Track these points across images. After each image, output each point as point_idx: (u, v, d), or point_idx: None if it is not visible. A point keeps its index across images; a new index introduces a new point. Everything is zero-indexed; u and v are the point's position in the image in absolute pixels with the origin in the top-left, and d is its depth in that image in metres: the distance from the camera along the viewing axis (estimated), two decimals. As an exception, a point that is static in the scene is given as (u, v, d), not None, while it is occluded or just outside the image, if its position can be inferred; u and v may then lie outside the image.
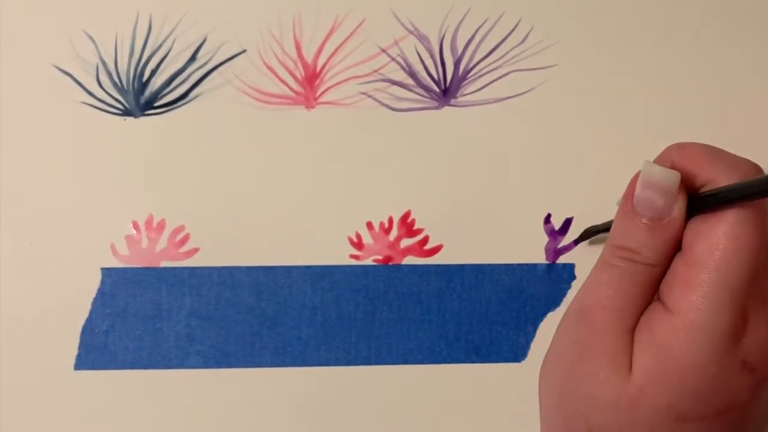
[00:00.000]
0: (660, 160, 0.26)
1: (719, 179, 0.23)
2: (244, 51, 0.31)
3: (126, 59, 0.31)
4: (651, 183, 0.24)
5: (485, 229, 0.30)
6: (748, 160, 0.24)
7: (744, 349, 0.23)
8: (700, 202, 0.24)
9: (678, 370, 0.22)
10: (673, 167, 0.24)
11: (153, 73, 0.31)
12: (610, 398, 0.23)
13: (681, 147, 0.25)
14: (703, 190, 0.24)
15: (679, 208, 0.24)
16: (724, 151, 0.24)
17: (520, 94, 0.31)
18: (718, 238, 0.22)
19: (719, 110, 0.31)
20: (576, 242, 0.30)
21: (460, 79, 0.31)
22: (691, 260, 0.23)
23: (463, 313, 0.30)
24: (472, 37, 0.31)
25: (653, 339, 0.23)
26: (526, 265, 0.30)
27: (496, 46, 0.31)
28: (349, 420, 0.30)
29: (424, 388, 0.30)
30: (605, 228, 0.28)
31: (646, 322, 0.24)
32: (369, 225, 0.30)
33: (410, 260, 0.30)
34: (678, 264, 0.24)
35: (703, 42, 0.31)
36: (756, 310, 0.23)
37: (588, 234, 0.30)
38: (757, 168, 0.24)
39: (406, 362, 0.30)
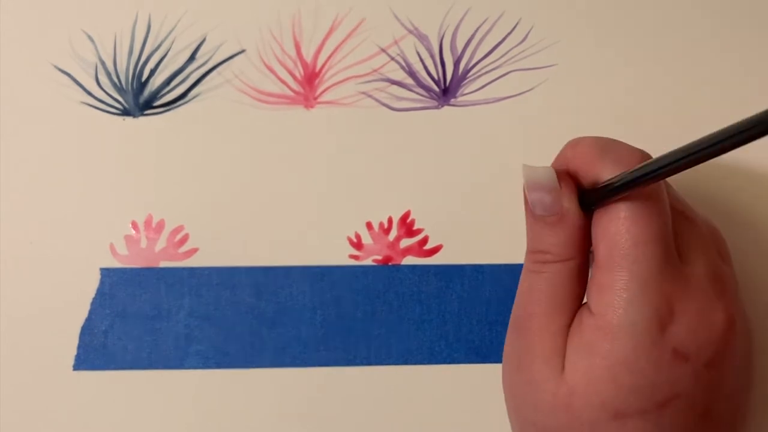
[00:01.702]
0: (557, 161, 0.26)
1: (604, 173, 0.23)
2: (244, 50, 0.31)
3: (125, 59, 0.31)
4: (533, 184, 0.24)
5: (485, 229, 0.30)
6: (636, 150, 0.24)
7: (673, 338, 0.22)
8: (593, 197, 0.24)
9: (606, 368, 0.22)
10: (567, 165, 0.25)
11: (152, 72, 0.31)
12: (548, 400, 0.23)
13: (574, 144, 0.25)
14: (594, 186, 0.24)
15: (567, 199, 0.24)
16: (614, 143, 0.24)
17: (520, 94, 0.31)
18: (614, 235, 0.23)
19: (719, 110, 0.31)
20: None
21: (459, 79, 0.31)
22: (598, 262, 0.23)
23: (463, 313, 0.30)
24: (472, 36, 0.31)
25: (581, 340, 0.23)
26: (526, 265, 0.30)
27: (496, 46, 0.31)
28: (349, 420, 0.30)
29: (424, 389, 0.30)
30: None
31: (577, 323, 0.24)
32: (368, 225, 0.30)
33: (410, 260, 0.30)
34: (593, 268, 0.24)
35: (703, 42, 0.31)
36: (680, 297, 0.23)
37: None
38: (646, 156, 0.24)
39: (405, 362, 0.30)
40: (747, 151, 0.30)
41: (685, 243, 0.24)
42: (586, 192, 0.24)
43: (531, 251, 0.25)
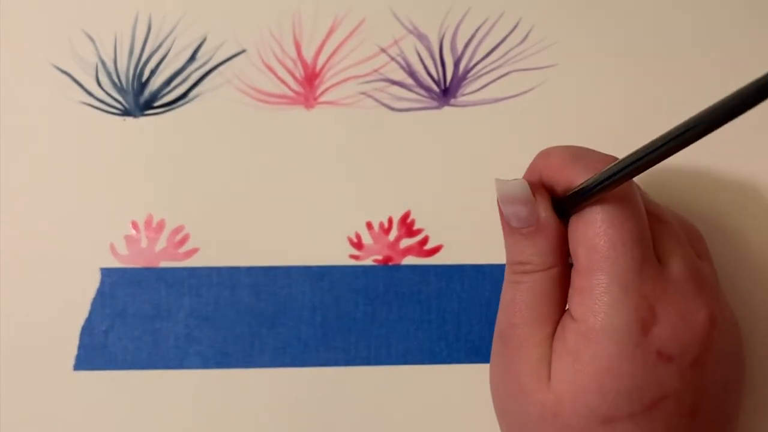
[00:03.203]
0: (529, 172, 0.26)
1: (576, 179, 0.23)
2: (244, 51, 0.31)
3: (125, 59, 0.31)
4: (507, 198, 0.24)
5: (485, 229, 0.30)
6: (608, 156, 0.24)
7: (656, 340, 0.22)
8: (566, 204, 0.24)
9: (591, 374, 0.22)
10: (539, 175, 0.25)
11: (152, 72, 0.31)
12: (536, 409, 0.23)
13: (545, 155, 0.25)
14: (570, 191, 0.24)
15: (543, 209, 0.24)
16: (586, 151, 0.25)
17: (520, 94, 0.31)
18: (591, 239, 0.23)
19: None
20: None
21: (459, 79, 0.31)
22: (577, 268, 0.23)
23: (463, 313, 0.30)
24: (472, 36, 0.31)
25: (565, 347, 0.23)
26: (526, 265, 0.30)
27: (496, 46, 0.31)
28: (348, 420, 0.30)
29: (424, 389, 0.30)
30: None
31: (560, 331, 0.24)
32: (369, 225, 0.30)
33: (410, 260, 0.30)
34: (572, 274, 0.24)
35: (703, 42, 0.31)
36: (659, 298, 0.23)
37: None
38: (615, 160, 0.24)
39: (405, 362, 0.30)
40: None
41: (661, 244, 0.24)
42: (560, 200, 0.24)
43: (511, 263, 0.25)
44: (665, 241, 0.24)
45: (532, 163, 0.26)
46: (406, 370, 0.30)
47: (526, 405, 0.24)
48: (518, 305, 0.25)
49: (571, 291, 0.24)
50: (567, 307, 0.24)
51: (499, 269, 0.30)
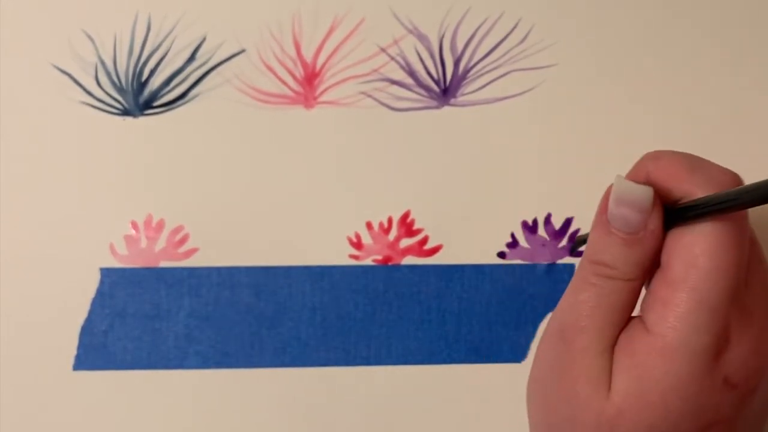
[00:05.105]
0: (634, 172, 0.25)
1: (696, 192, 0.22)
2: (244, 50, 0.31)
3: (125, 59, 0.31)
4: (624, 200, 0.23)
5: (485, 229, 0.30)
6: (728, 170, 0.23)
7: (726, 366, 0.22)
8: (677, 214, 0.23)
9: (658, 392, 0.22)
10: (647, 179, 0.24)
11: (152, 72, 0.31)
12: (591, 419, 0.23)
13: (656, 158, 0.24)
14: (680, 202, 0.23)
15: (654, 222, 0.23)
16: (702, 160, 0.24)
17: (520, 94, 0.31)
18: (695, 256, 0.22)
19: (720, 110, 0.31)
20: (571, 252, 0.30)
21: (459, 79, 0.31)
22: (668, 279, 0.23)
23: (463, 313, 0.30)
24: (472, 36, 0.31)
25: (633, 360, 0.23)
26: (526, 265, 0.30)
27: (496, 46, 0.31)
28: (348, 420, 0.30)
29: (424, 389, 0.30)
30: None
31: (627, 341, 0.23)
32: (368, 225, 0.30)
33: (410, 260, 0.30)
34: (657, 283, 0.23)
35: (703, 42, 0.31)
36: (737, 326, 0.22)
37: (580, 242, 0.30)
38: (737, 179, 0.23)
39: (405, 362, 0.30)
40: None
41: (749, 268, 0.23)
42: (668, 211, 0.23)
43: (592, 261, 0.24)
44: (753, 266, 0.24)
45: (638, 163, 0.25)
46: (406, 370, 0.30)
47: (581, 412, 0.23)
48: (590, 309, 0.23)
49: (651, 300, 0.23)
50: (639, 315, 0.24)
51: (499, 269, 0.30)
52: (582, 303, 0.24)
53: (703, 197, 0.22)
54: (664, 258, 0.23)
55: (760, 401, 0.24)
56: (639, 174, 0.24)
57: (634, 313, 0.24)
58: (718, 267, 0.22)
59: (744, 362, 0.22)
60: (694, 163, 0.23)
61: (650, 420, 0.22)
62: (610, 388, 0.23)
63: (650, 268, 0.24)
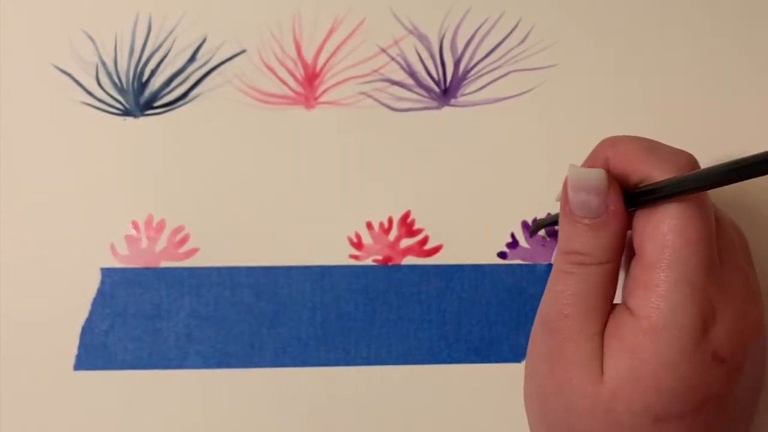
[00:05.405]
0: (593, 157, 0.25)
1: (654, 174, 0.23)
2: (244, 51, 0.31)
3: (126, 59, 0.31)
4: (580, 186, 0.24)
5: (485, 229, 0.30)
6: (683, 152, 0.24)
7: (713, 341, 0.22)
8: (639, 197, 0.23)
9: (650, 372, 0.22)
10: (606, 164, 0.25)
11: (153, 73, 0.31)
12: (586, 404, 0.23)
13: (613, 143, 0.25)
14: (641, 185, 0.24)
15: (613, 202, 0.24)
16: (658, 143, 0.24)
17: (520, 94, 0.31)
18: (665, 235, 0.22)
19: (719, 109, 0.31)
20: (531, 236, 0.30)
21: (460, 79, 0.31)
22: (644, 262, 0.23)
23: (463, 313, 0.30)
24: (472, 36, 0.31)
25: (622, 344, 0.23)
26: (526, 265, 0.30)
27: (496, 46, 0.31)
28: (348, 420, 0.30)
29: (424, 389, 0.30)
30: (553, 221, 0.29)
31: (614, 327, 0.23)
32: (369, 225, 0.30)
33: (410, 260, 0.30)
34: (634, 269, 0.24)
35: (703, 41, 0.31)
36: (720, 300, 0.23)
37: (538, 226, 0.30)
38: (693, 160, 0.23)
39: (405, 362, 0.30)
40: None
41: (719, 246, 0.24)
42: (628, 193, 0.24)
43: (565, 251, 0.24)
44: (722, 243, 0.24)
45: (595, 149, 0.26)
46: (406, 370, 0.30)
47: (575, 399, 0.23)
48: (570, 297, 0.24)
49: (632, 285, 0.24)
50: (622, 302, 0.24)
51: (499, 269, 0.30)
52: (562, 293, 0.24)
53: (663, 180, 0.23)
54: (636, 243, 0.24)
55: (750, 380, 0.24)
56: (597, 160, 0.25)
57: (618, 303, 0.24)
58: (689, 242, 0.22)
59: (729, 336, 0.23)
60: (650, 146, 0.24)
61: (645, 401, 0.22)
62: (601, 373, 0.23)
63: (621, 248, 0.24)
